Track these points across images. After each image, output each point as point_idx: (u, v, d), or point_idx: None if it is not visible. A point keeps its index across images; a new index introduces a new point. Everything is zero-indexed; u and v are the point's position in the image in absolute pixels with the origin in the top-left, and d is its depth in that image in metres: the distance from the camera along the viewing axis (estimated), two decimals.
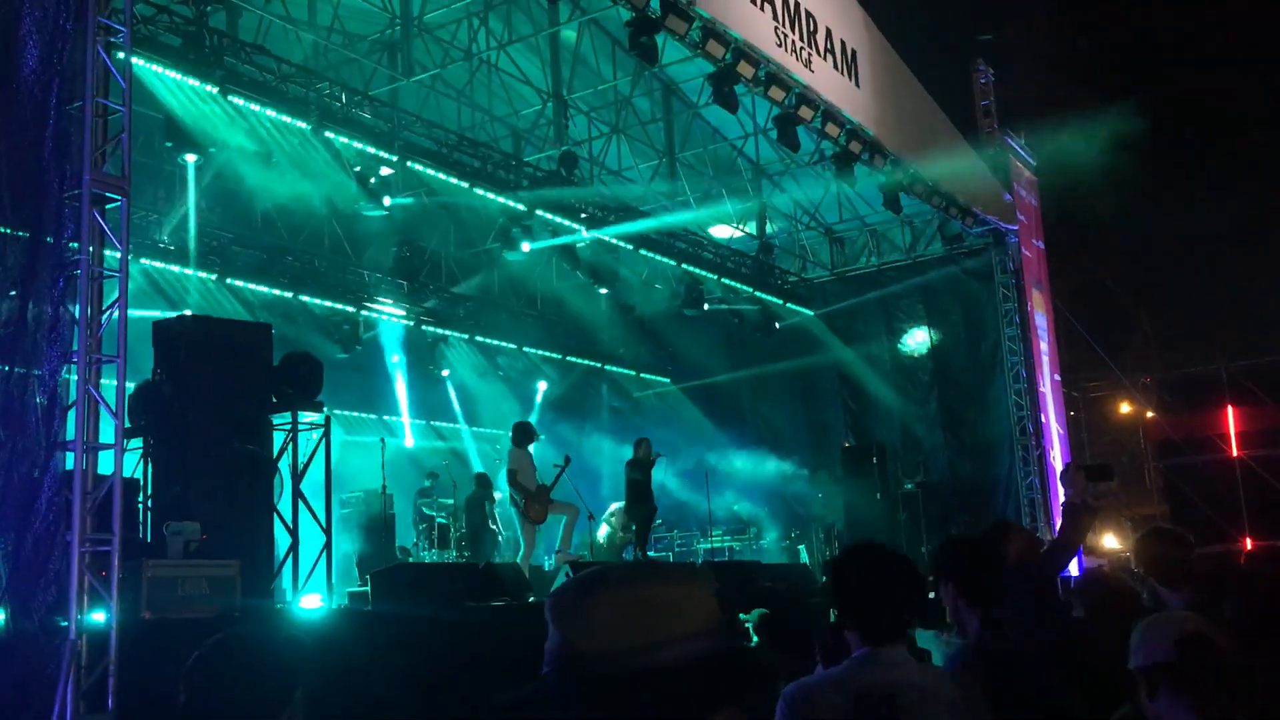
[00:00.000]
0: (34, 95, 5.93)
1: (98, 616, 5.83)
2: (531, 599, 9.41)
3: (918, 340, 18.46)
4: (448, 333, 17.34)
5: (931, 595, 4.96)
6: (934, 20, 21.39)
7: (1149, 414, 27.55)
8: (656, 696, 1.37)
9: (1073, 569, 17.06)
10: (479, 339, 17.85)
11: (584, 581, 1.47)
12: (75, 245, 6.09)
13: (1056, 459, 17.85)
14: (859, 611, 2.72)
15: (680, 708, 1.37)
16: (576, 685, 1.39)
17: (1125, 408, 29.44)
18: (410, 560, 13.06)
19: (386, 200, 13.06)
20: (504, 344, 18.22)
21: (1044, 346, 18.31)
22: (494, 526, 14.09)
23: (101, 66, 6.33)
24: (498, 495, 14.01)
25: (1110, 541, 26.86)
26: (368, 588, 8.48)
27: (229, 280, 13.94)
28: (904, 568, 2.81)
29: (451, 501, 14.23)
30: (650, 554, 13.64)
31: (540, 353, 18.99)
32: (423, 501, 14.29)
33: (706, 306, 18.10)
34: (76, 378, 5.99)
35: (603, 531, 14.34)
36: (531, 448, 11.97)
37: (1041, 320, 18.40)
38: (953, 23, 22.07)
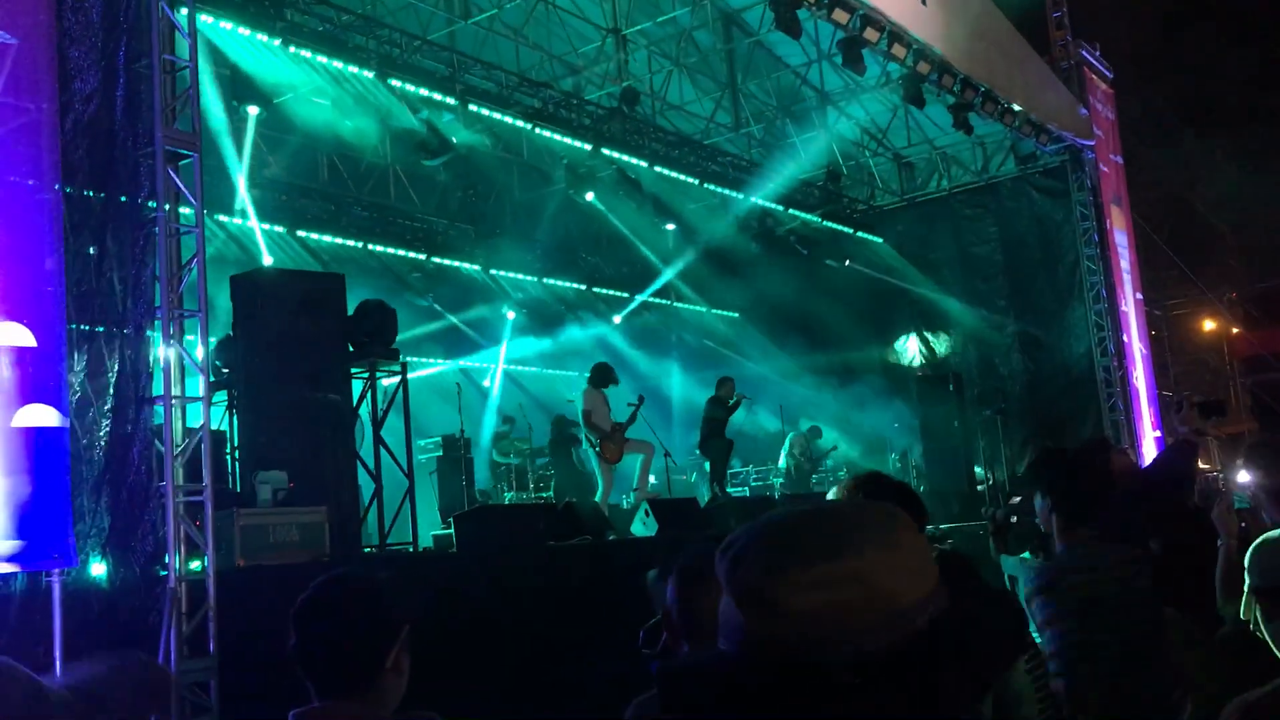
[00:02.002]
0: (103, 55, 5.98)
1: (194, 564, 6.00)
2: (612, 536, 9.50)
3: (993, 264, 18.08)
4: (518, 275, 17.39)
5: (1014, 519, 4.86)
6: None
7: (1234, 330, 26.83)
8: (890, 689, 1.12)
9: None
10: (546, 281, 17.91)
11: (773, 554, 1.18)
12: (152, 204, 6.17)
13: (1140, 380, 17.46)
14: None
15: (919, 702, 1.12)
16: (773, 675, 1.14)
17: (1209, 324, 28.66)
18: (490, 502, 13.24)
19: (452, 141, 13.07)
20: (573, 284, 18.23)
21: (1125, 265, 17.83)
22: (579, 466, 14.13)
23: (166, 23, 6.36)
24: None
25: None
26: (451, 530, 8.62)
27: (299, 232, 14.13)
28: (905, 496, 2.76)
29: (528, 446, 14.36)
30: (729, 490, 13.71)
31: (609, 292, 18.99)
32: (500, 445, 14.45)
33: (776, 235, 17.92)
34: (160, 334, 6.10)
35: (784, 460, 14.71)
36: (607, 390, 12.02)
37: (1121, 238, 17.90)
38: None
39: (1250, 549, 2.58)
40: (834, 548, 1.16)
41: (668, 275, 18.34)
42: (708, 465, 13.74)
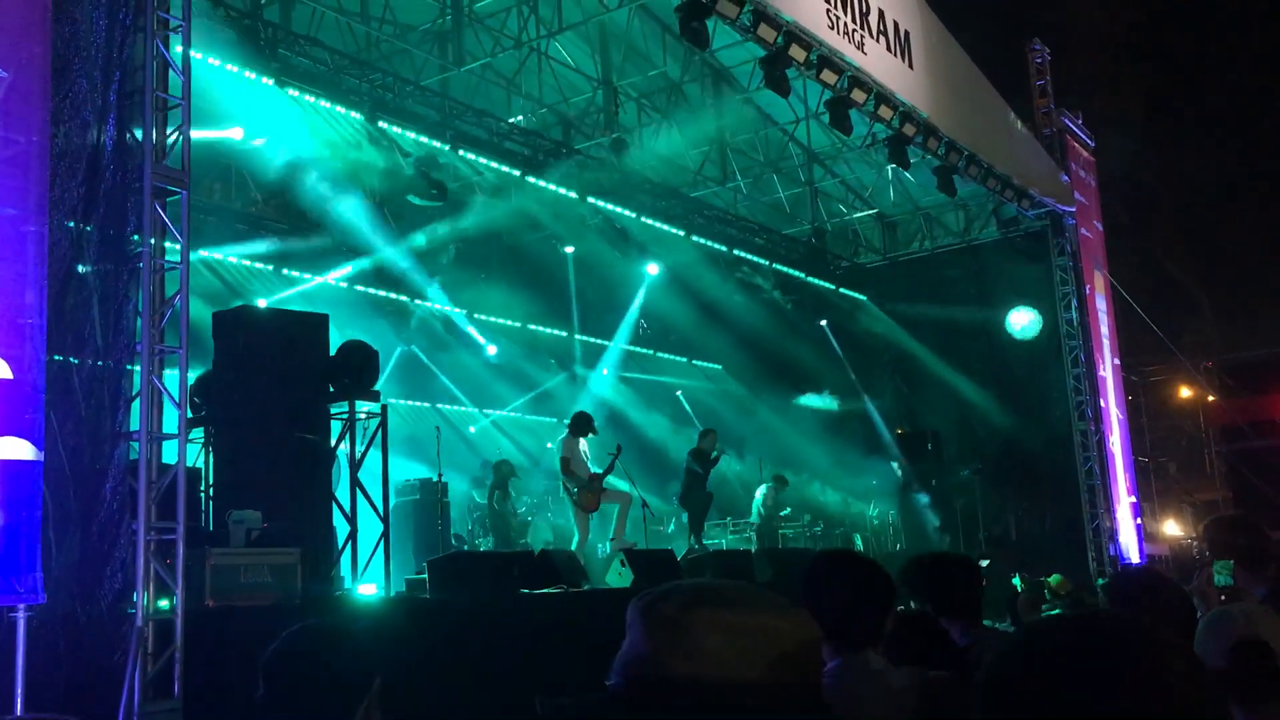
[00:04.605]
0: (96, 89, 6.00)
1: (163, 604, 5.93)
2: (587, 586, 9.44)
3: (972, 325, 18.23)
4: (501, 320, 17.40)
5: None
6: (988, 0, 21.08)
7: (1210, 398, 27.04)
8: None
9: (1134, 556, 16.83)
10: (530, 327, 17.90)
11: (689, 594, 1.32)
12: (137, 238, 6.17)
13: (1116, 444, 17.56)
14: (831, 621, 2.59)
15: None
16: (663, 708, 1.25)
17: (1185, 392, 28.91)
18: (465, 548, 13.13)
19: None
20: (555, 332, 18.24)
21: (1104, 330, 18.00)
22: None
23: (160, 60, 6.40)
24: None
25: (1171, 528, 26.43)
26: (425, 575, 8.54)
27: (284, 270, 14.12)
28: (879, 577, 2.76)
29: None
30: (706, 544, 13.66)
31: (593, 340, 19.00)
32: (477, 491, 14.36)
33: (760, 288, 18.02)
34: (140, 369, 6.07)
35: (754, 514, 15.05)
36: (587, 439, 11.99)
37: (1102, 303, 18.09)
38: (1007, 2, 21.72)
39: (1198, 627, 2.58)
40: (745, 603, 1.31)
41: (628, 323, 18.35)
42: (685, 517, 13.69)
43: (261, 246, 13.83)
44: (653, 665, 1.26)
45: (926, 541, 15.50)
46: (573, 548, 11.35)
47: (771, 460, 17.19)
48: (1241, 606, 2.83)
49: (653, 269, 17.20)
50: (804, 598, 2.73)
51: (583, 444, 11.98)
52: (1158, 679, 0.99)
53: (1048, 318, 17.41)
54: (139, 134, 6.23)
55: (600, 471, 11.90)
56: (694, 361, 20.26)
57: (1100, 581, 15.64)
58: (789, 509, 16.24)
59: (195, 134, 6.61)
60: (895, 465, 17.24)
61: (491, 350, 17.34)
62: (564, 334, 18.51)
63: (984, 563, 11.77)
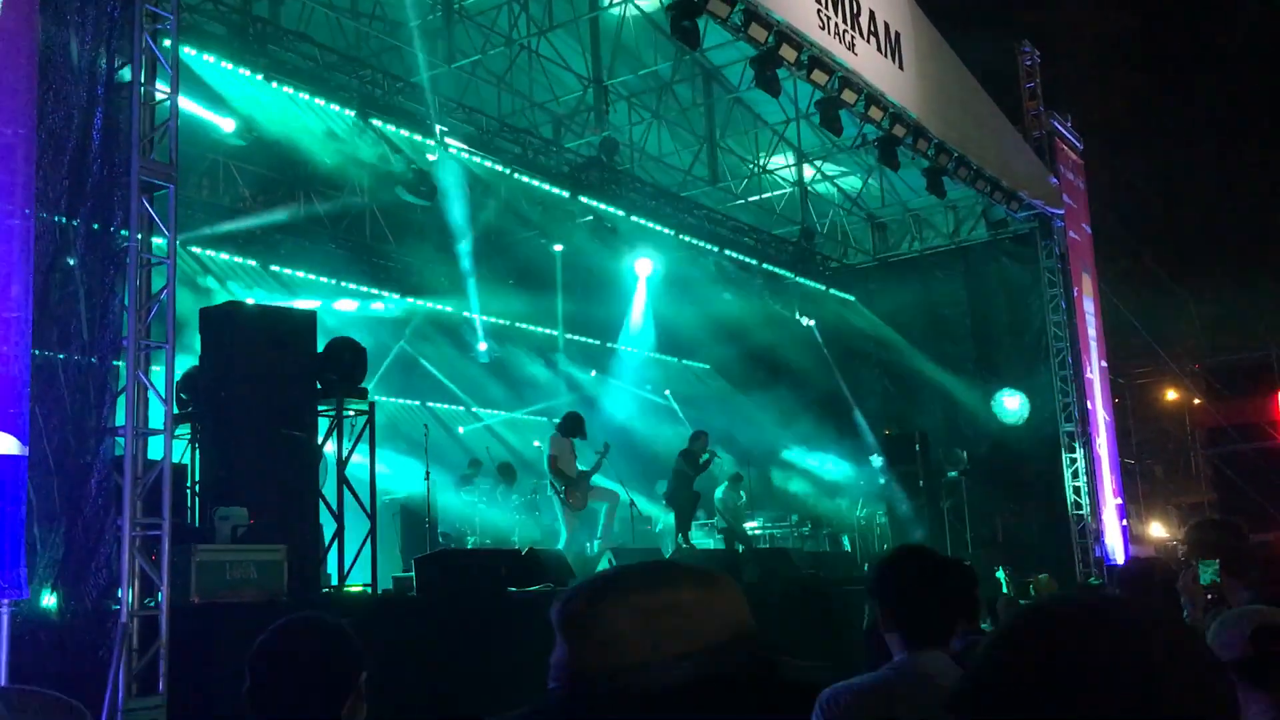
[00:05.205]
0: (84, 83, 5.97)
1: (148, 600, 5.90)
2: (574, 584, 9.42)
3: (961, 326, 18.27)
4: (493, 319, 17.36)
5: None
6: (978, 1, 21.14)
7: (1196, 401, 27.17)
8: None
9: (1119, 558, 16.89)
10: (519, 326, 17.88)
11: (596, 585, 1.30)
12: (124, 233, 6.14)
13: (1103, 446, 17.62)
14: (903, 614, 2.63)
15: None
16: (585, 707, 1.22)
17: (1171, 394, 29.03)
18: (452, 546, 13.11)
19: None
20: (548, 331, 18.22)
21: (1091, 332, 18.05)
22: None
23: (149, 54, 6.36)
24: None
25: (1157, 530, 26.55)
26: (412, 573, 8.52)
27: (272, 266, 14.07)
28: (956, 571, 2.74)
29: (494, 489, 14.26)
30: (693, 541, 13.66)
31: (584, 339, 18.98)
32: (464, 489, 14.33)
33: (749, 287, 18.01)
34: (126, 364, 6.04)
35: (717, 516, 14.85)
36: (575, 439, 12.00)
37: (1089, 305, 18.15)
38: (998, 4, 21.79)
39: (1210, 627, 2.61)
40: (652, 582, 1.27)
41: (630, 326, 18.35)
42: (673, 517, 13.69)
43: (250, 242, 13.80)
44: (573, 664, 1.24)
45: (914, 542, 15.53)
46: (559, 546, 11.35)
47: (758, 459, 17.20)
48: (1253, 607, 2.86)
49: (643, 268, 17.17)
50: (875, 591, 2.74)
51: (572, 444, 11.99)
52: (1168, 660, 0.96)
53: (1035, 320, 17.46)
54: (126, 127, 6.19)
55: (588, 470, 11.91)
56: (684, 361, 20.26)
57: (1093, 580, 15.70)
58: (744, 498, 16.06)
59: (189, 106, 6.57)
60: (874, 459, 17.25)
61: (483, 347, 17.31)
62: (552, 332, 18.50)
63: (966, 564, 11.79)
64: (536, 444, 15.47)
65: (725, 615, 1.26)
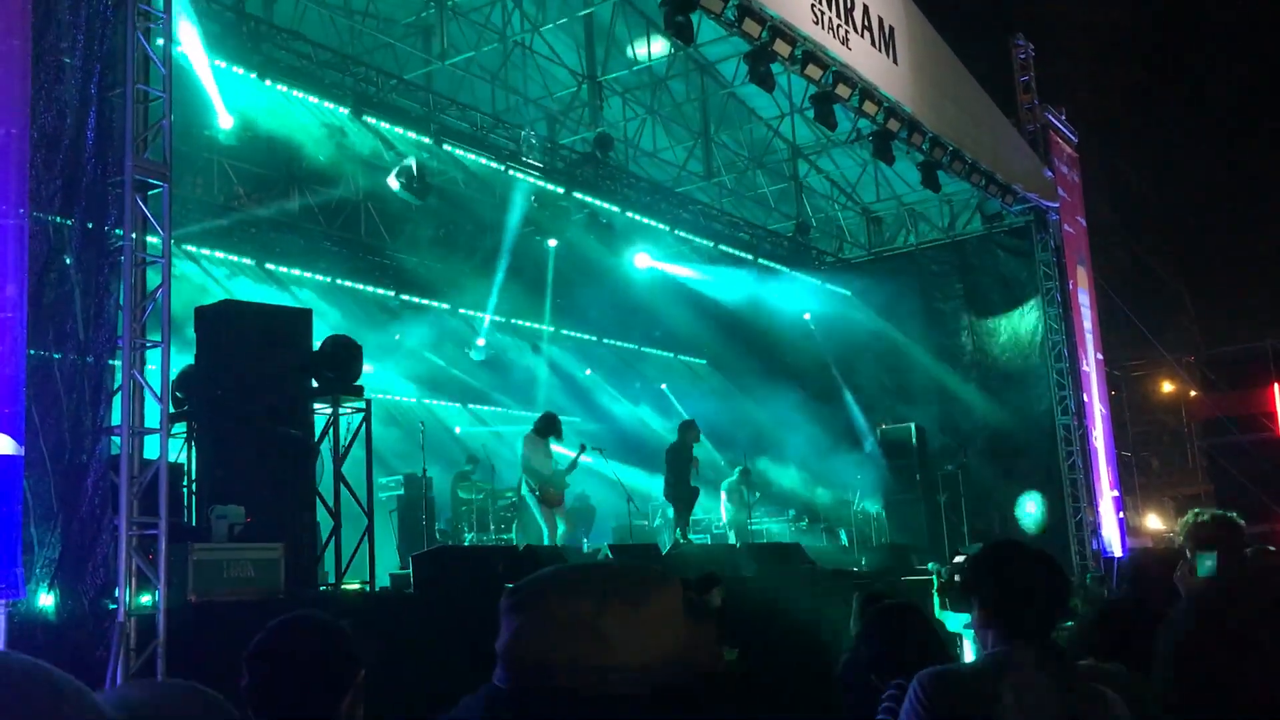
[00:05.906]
0: (76, 82, 5.96)
1: (145, 599, 5.90)
2: None
3: (957, 320, 18.28)
4: (486, 315, 17.36)
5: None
6: None
7: (1192, 393, 27.21)
8: None
9: (1116, 550, 16.92)
10: (514, 322, 17.87)
11: (536, 582, 1.33)
12: (119, 232, 6.13)
13: (1099, 439, 17.64)
14: (1002, 607, 2.68)
15: None
16: (531, 699, 1.24)
17: (1167, 386, 29.08)
18: (450, 543, 13.12)
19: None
20: (542, 327, 18.21)
21: (1087, 325, 18.07)
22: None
23: (141, 53, 6.35)
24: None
25: (1154, 521, 26.60)
26: (409, 570, 8.52)
27: (267, 265, 14.06)
28: (1051, 567, 2.77)
29: (490, 485, 14.28)
30: (691, 537, 13.68)
31: (579, 335, 18.98)
32: (461, 485, 14.35)
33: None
34: (121, 363, 6.04)
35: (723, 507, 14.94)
36: (551, 439, 12.07)
37: (1084, 298, 18.16)
38: None
39: None
40: (583, 591, 1.28)
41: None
42: (671, 511, 13.71)
43: (244, 239, 13.79)
44: (513, 652, 1.30)
45: (912, 536, 15.53)
46: (544, 542, 11.41)
47: (753, 453, 17.19)
48: None
49: (641, 262, 17.16)
50: (971, 584, 2.77)
51: (547, 443, 12.06)
52: None
53: (1030, 313, 17.47)
54: (120, 126, 6.18)
55: (563, 469, 12.03)
56: (680, 356, 20.28)
57: (1089, 576, 15.72)
58: (759, 495, 16.11)
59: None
60: (870, 452, 17.27)
61: (480, 342, 17.32)
62: (547, 328, 18.50)
63: (960, 558, 11.78)
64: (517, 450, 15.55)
65: (658, 633, 1.25)
